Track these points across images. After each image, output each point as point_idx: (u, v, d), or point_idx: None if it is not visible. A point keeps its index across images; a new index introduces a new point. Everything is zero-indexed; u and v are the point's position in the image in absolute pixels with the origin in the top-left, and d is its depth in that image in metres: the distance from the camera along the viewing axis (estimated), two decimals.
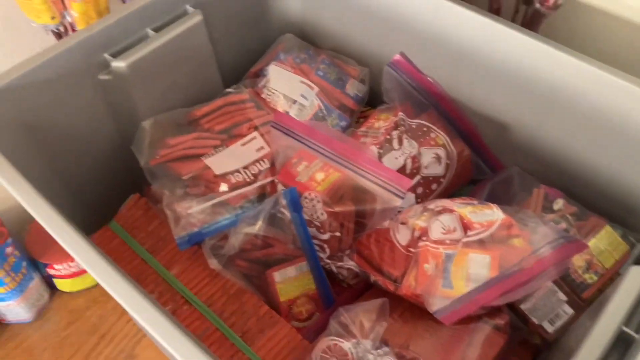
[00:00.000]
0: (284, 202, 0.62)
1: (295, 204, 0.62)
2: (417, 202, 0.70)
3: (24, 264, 0.76)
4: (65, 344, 0.79)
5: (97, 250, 0.47)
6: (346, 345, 0.54)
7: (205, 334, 0.60)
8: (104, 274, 0.45)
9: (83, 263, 0.46)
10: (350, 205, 0.63)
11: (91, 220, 0.69)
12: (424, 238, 0.61)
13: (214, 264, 0.63)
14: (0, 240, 0.71)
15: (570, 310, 0.60)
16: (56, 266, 0.78)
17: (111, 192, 0.70)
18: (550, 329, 0.60)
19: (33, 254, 0.78)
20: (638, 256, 0.62)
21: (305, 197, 0.63)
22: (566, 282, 0.61)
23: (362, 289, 0.67)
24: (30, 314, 0.79)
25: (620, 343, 0.46)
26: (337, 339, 0.54)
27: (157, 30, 0.68)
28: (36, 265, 0.79)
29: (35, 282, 0.78)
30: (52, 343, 0.79)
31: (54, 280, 0.81)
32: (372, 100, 0.81)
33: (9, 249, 0.72)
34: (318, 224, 0.63)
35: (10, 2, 0.70)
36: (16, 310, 0.78)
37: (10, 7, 0.70)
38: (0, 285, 0.73)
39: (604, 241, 0.62)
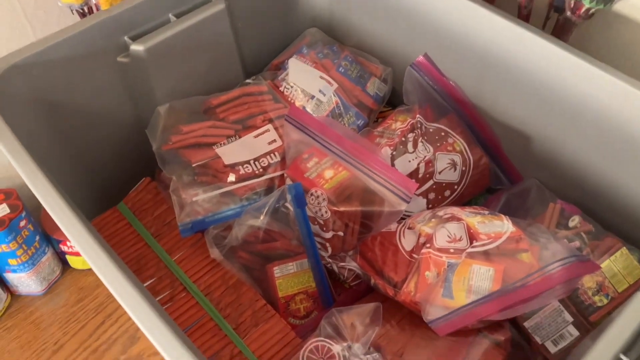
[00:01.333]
0: (289, 196, 0.61)
1: (300, 200, 0.61)
2: (429, 208, 0.68)
3: (37, 238, 0.77)
4: (72, 319, 0.80)
5: (90, 230, 0.47)
6: (336, 348, 0.53)
7: (199, 323, 0.60)
8: (91, 253, 0.45)
9: (73, 240, 0.46)
10: (356, 205, 0.62)
11: (102, 201, 0.70)
12: (428, 245, 0.59)
13: (215, 253, 0.63)
14: (14, 213, 0.72)
15: (575, 332, 0.58)
16: (69, 243, 0.79)
17: (124, 174, 0.71)
18: (553, 349, 0.58)
19: (47, 230, 0.80)
20: None
21: (312, 194, 0.62)
22: (574, 302, 0.59)
23: (363, 291, 0.66)
24: (41, 288, 0.81)
25: None
26: (326, 340, 0.53)
27: (179, 16, 0.68)
28: (50, 240, 0.81)
29: (48, 257, 0.80)
30: (60, 317, 0.80)
31: (67, 256, 0.82)
32: (394, 100, 0.80)
33: (22, 222, 0.74)
34: (321, 221, 0.62)
35: None
36: (28, 282, 0.79)
37: None
38: (13, 257, 0.75)
39: (618, 264, 0.59)
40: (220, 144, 0.68)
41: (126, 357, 0.76)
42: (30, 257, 0.77)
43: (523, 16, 0.67)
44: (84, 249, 0.46)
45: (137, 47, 0.65)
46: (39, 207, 0.83)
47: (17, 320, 0.80)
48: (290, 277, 0.64)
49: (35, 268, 0.78)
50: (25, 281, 0.79)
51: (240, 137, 0.69)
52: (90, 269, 0.84)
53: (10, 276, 0.78)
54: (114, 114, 0.70)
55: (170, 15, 0.68)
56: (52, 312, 0.81)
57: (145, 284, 0.62)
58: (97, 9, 0.71)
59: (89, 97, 0.66)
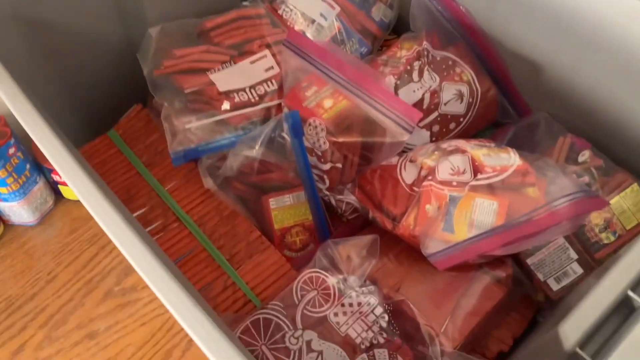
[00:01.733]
0: (285, 126, 0.58)
1: (297, 129, 0.58)
2: (432, 141, 0.65)
3: (28, 166, 0.75)
4: (66, 250, 0.79)
5: (77, 158, 0.44)
6: (331, 280, 0.51)
7: (193, 253, 0.58)
8: (77, 182, 0.43)
9: (57, 168, 0.44)
10: (356, 136, 0.59)
11: (92, 128, 0.67)
12: (430, 177, 0.57)
13: (208, 183, 0.61)
14: (2, 139, 0.70)
15: (579, 270, 0.56)
16: None
17: (114, 100, 0.68)
18: (555, 286, 0.56)
19: (38, 159, 0.77)
20: None
21: (309, 124, 0.59)
22: (580, 239, 0.56)
23: (361, 225, 0.64)
24: (34, 218, 0.79)
25: (623, 308, 0.41)
26: (321, 271, 0.51)
27: None
28: (42, 170, 0.78)
29: (39, 187, 0.78)
30: (53, 248, 0.79)
31: (59, 186, 0.80)
32: (400, 28, 0.75)
33: (11, 150, 0.71)
34: (319, 153, 0.59)
35: None
36: (20, 212, 0.77)
37: None
38: (3, 185, 0.73)
39: (628, 200, 0.57)
40: (215, 70, 0.65)
41: (120, 289, 0.75)
42: (21, 185, 0.75)
43: None
44: (70, 177, 0.43)
45: None
46: (29, 136, 0.81)
47: (11, 250, 0.79)
48: (286, 209, 0.61)
49: (27, 197, 0.76)
50: (17, 211, 0.77)
51: (235, 62, 0.65)
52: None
53: (1, 205, 0.76)
54: (103, 36, 0.66)
55: None
56: (45, 243, 0.80)
57: (136, 214, 0.60)
58: None
59: (76, 16, 0.62)
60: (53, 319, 0.73)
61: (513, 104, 0.68)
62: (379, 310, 0.49)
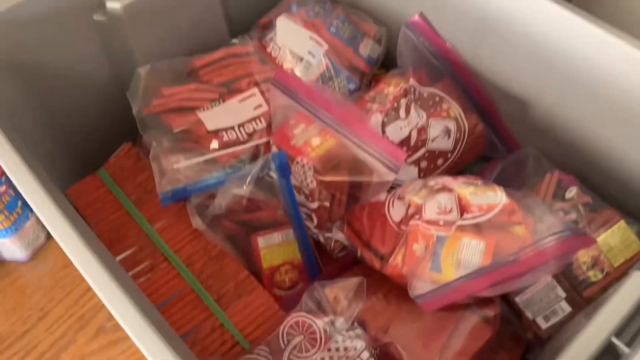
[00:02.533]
0: (273, 165, 0.59)
1: (284, 169, 0.58)
2: (421, 177, 0.65)
3: (20, 203, 0.75)
4: (57, 286, 0.79)
5: (56, 199, 0.45)
6: (318, 323, 0.51)
7: (181, 294, 0.58)
8: (53, 223, 0.43)
9: (34, 208, 0.44)
10: (343, 175, 0.59)
11: (82, 167, 0.68)
12: (417, 216, 0.57)
13: (197, 223, 0.61)
14: None
15: (568, 308, 0.56)
16: None
17: (104, 139, 0.68)
18: (544, 325, 0.56)
19: None
20: None
21: (297, 162, 0.60)
22: (568, 277, 0.56)
23: (350, 263, 0.64)
24: (26, 254, 0.79)
25: (608, 355, 0.41)
26: (306, 315, 0.51)
27: None
28: None
29: (31, 223, 0.78)
30: (45, 284, 0.79)
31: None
32: (389, 63, 0.76)
33: (2, 188, 0.72)
34: (307, 191, 0.59)
35: None
36: (12, 248, 0.78)
37: None
38: None
39: (615, 237, 0.57)
40: (204, 108, 0.65)
41: (112, 325, 0.75)
42: (12, 222, 0.75)
43: None
44: (45, 217, 0.44)
45: (113, 5, 0.61)
46: None
47: (2, 287, 0.79)
48: (275, 247, 0.61)
49: (19, 234, 0.76)
50: (9, 247, 0.77)
51: (224, 101, 0.66)
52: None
53: None
54: (92, 76, 0.66)
55: None
56: (37, 279, 0.80)
57: (124, 254, 0.60)
58: None
59: (63, 57, 0.63)
60: (44, 356, 0.73)
61: (501, 138, 0.69)
62: (365, 354, 0.49)
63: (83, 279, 0.79)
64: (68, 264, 0.81)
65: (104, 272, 0.41)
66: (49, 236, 0.82)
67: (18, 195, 0.75)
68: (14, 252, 0.78)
